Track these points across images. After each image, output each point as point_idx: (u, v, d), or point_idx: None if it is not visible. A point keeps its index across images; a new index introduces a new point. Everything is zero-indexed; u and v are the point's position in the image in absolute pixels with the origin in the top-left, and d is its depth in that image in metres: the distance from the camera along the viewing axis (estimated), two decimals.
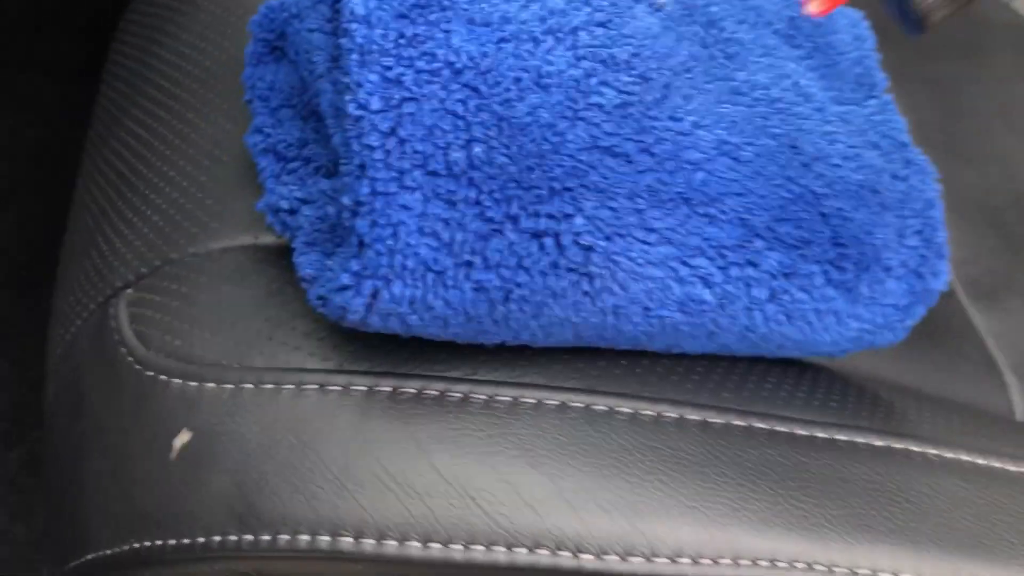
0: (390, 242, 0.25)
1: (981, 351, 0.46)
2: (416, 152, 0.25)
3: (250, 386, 0.29)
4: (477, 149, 0.26)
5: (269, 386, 0.29)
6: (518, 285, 0.26)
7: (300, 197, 0.29)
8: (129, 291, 0.34)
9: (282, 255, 0.32)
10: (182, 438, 0.30)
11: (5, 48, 0.87)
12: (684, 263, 0.28)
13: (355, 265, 0.25)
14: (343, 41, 0.26)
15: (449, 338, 0.28)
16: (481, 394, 0.29)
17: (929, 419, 0.34)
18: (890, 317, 0.32)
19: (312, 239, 0.29)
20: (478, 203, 0.26)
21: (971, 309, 0.47)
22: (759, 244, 0.29)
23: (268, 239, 0.33)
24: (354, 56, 0.26)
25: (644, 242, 0.27)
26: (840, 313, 0.31)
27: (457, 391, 0.29)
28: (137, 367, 0.31)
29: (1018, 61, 0.61)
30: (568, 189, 0.26)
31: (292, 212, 0.29)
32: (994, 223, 0.52)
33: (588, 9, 0.29)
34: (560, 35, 0.28)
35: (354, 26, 0.26)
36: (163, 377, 0.31)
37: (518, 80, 0.27)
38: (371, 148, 0.25)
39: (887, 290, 0.31)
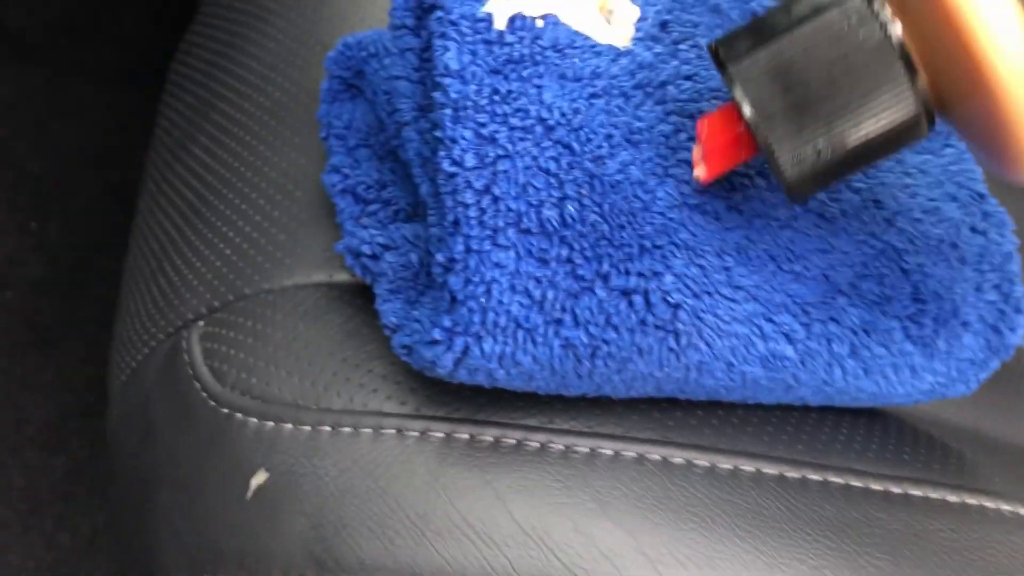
0: (483, 299, 0.25)
1: None
2: (510, 210, 0.25)
3: (328, 428, 0.29)
4: (570, 207, 0.26)
5: (347, 429, 0.29)
6: (606, 342, 0.26)
7: (382, 243, 0.29)
8: (201, 324, 0.34)
9: (357, 294, 0.33)
10: (259, 478, 0.30)
11: (49, 54, 0.87)
12: (769, 320, 0.28)
13: (447, 321, 0.25)
14: (436, 95, 0.26)
15: (531, 390, 0.28)
16: (559, 444, 0.29)
17: (1000, 471, 0.34)
18: (965, 371, 0.32)
19: (395, 286, 0.29)
20: (570, 261, 0.26)
21: None
22: (842, 301, 0.29)
23: (342, 277, 0.33)
24: (448, 111, 0.26)
25: (731, 299, 0.27)
26: (916, 367, 0.31)
27: (535, 440, 0.29)
28: (212, 403, 0.32)
29: None
30: (658, 247, 0.26)
31: (374, 257, 0.29)
32: None
33: (675, 62, 0.29)
34: (649, 90, 0.28)
35: (448, 81, 0.26)
36: (239, 415, 0.31)
37: (609, 136, 0.27)
38: (465, 205, 0.25)
39: (964, 345, 0.31)
